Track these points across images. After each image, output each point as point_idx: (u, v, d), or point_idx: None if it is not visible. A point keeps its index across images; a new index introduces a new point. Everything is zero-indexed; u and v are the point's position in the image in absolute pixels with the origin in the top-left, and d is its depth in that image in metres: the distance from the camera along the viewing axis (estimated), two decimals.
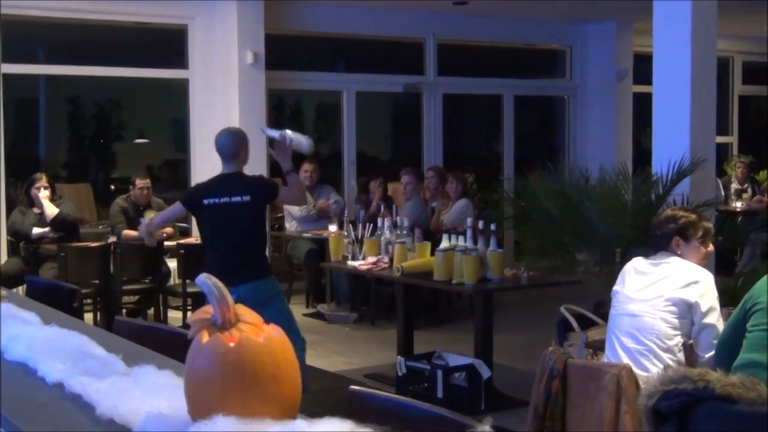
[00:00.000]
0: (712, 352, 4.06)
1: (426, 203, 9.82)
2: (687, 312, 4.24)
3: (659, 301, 4.26)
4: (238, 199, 5.62)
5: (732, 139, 14.65)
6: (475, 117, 13.74)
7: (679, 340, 4.25)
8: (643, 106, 11.70)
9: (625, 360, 4.21)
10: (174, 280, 8.88)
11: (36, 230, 8.43)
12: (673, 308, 4.24)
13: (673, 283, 4.27)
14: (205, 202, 5.68)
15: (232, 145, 5.78)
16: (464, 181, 9.87)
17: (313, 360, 7.37)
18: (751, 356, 3.63)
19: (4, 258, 8.93)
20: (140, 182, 8.91)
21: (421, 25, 11.72)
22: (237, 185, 5.69)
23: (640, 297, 4.33)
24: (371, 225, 7.27)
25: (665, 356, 4.20)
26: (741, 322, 3.79)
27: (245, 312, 1.78)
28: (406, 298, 6.96)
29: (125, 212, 8.82)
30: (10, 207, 8.98)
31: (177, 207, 6.02)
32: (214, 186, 5.81)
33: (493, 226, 6.20)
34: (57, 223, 8.43)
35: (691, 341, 4.28)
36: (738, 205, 11.68)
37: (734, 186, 12.27)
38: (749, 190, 12.26)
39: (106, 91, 11.19)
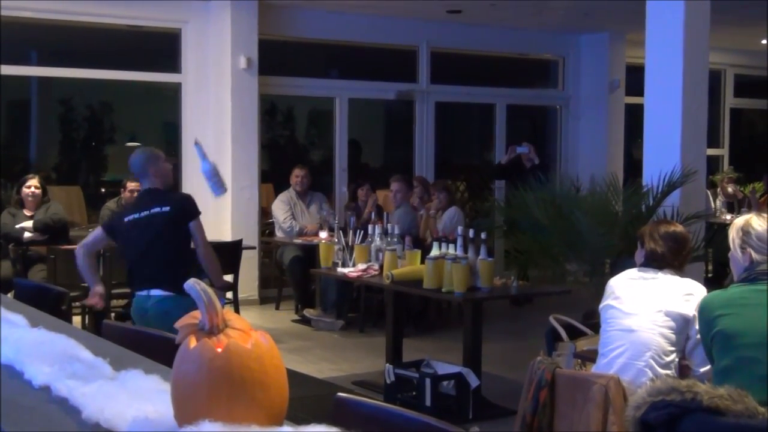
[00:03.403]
0: (708, 367, 3.94)
1: (416, 211, 9.83)
2: (684, 327, 4.20)
3: (659, 316, 4.21)
4: (157, 209, 5.50)
5: (723, 151, 14.70)
6: (468, 125, 13.76)
7: (675, 357, 4.23)
8: (634, 117, 11.73)
9: (623, 377, 4.14)
10: None
11: (27, 234, 8.41)
12: (672, 323, 4.20)
13: (670, 297, 4.24)
14: (126, 219, 5.59)
15: (140, 163, 5.60)
16: (449, 190, 9.87)
17: (300, 366, 7.37)
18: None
19: None
20: (131, 185, 8.88)
21: (414, 33, 11.74)
22: (156, 198, 5.57)
23: (637, 311, 4.27)
24: (362, 232, 7.27)
25: (663, 373, 4.15)
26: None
27: (233, 318, 1.78)
28: (396, 306, 6.95)
29: None
30: (0, 209, 8.95)
31: (98, 231, 5.79)
32: (134, 203, 5.81)
33: (483, 235, 6.20)
34: (41, 227, 8.41)
35: (685, 362, 4.26)
36: (728, 217, 11.72)
37: (720, 199, 12.33)
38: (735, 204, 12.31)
39: (99, 93, 11.19)
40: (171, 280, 5.30)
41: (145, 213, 5.51)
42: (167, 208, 5.52)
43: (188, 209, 5.63)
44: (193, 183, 10.29)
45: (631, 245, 5.16)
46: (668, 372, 4.18)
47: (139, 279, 5.53)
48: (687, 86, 6.95)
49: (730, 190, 12.30)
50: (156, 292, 5.41)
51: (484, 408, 6.20)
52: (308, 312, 9.31)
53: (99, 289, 5.69)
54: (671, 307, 4.22)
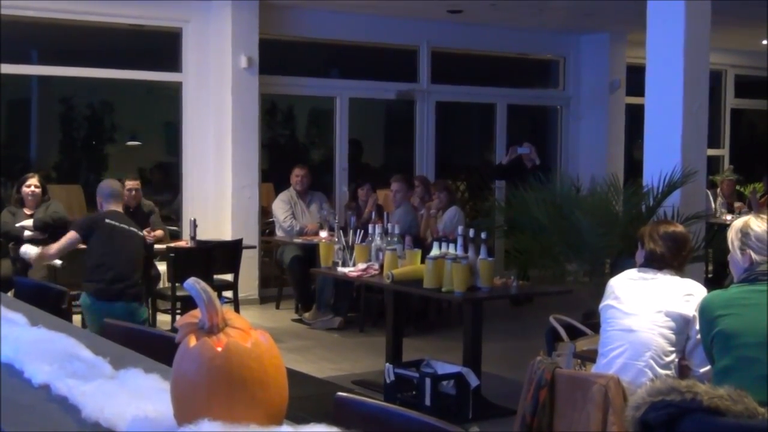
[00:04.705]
0: (707, 367, 3.94)
1: (416, 210, 9.84)
2: (684, 327, 4.20)
3: (659, 316, 4.21)
4: (135, 230, 6.44)
5: (723, 152, 14.70)
6: (468, 125, 13.75)
7: (674, 357, 4.23)
8: (635, 118, 11.73)
9: (623, 377, 4.15)
10: (163, 283, 8.86)
11: (27, 233, 8.40)
12: (671, 323, 4.20)
13: (670, 297, 4.24)
14: (107, 221, 6.30)
15: (115, 191, 6.50)
16: (449, 190, 9.88)
17: (300, 365, 7.37)
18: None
19: None
20: (129, 183, 8.86)
21: (415, 33, 11.74)
22: (131, 221, 6.59)
23: (637, 311, 4.27)
24: (362, 231, 7.27)
25: (663, 373, 4.15)
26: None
27: (233, 317, 1.78)
28: (396, 306, 6.95)
29: None
30: (0, 208, 8.95)
31: (73, 236, 6.42)
32: (115, 215, 6.43)
33: (483, 235, 6.20)
34: (41, 226, 8.40)
35: (685, 362, 4.26)
36: (728, 217, 11.72)
37: (720, 199, 12.33)
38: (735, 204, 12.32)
39: (99, 92, 11.18)
40: (137, 286, 6.37)
41: (126, 227, 6.33)
42: (142, 233, 6.59)
43: None
44: (194, 182, 10.32)
45: (631, 245, 5.16)
46: (668, 372, 4.18)
47: (110, 282, 6.22)
48: (687, 86, 6.95)
49: (736, 205, 12.26)
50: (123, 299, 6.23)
51: (484, 408, 6.20)
52: (304, 317, 9.31)
53: None
54: (671, 308, 4.22)
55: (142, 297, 6.48)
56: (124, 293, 6.10)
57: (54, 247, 6.36)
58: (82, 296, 6.22)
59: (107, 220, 6.18)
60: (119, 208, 6.39)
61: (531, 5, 10.78)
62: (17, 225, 8.44)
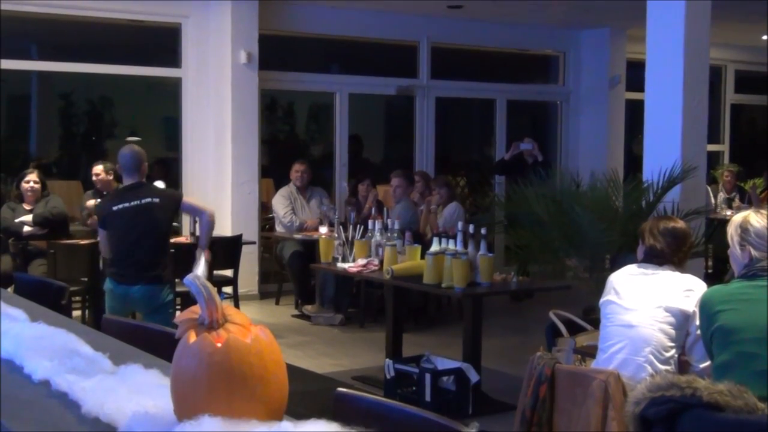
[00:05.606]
0: (707, 363, 3.93)
1: (416, 206, 9.84)
2: (684, 322, 4.20)
3: (659, 311, 4.21)
4: (148, 200, 6.02)
5: (723, 147, 14.70)
6: (468, 121, 13.75)
7: (674, 353, 4.23)
8: (635, 113, 11.73)
9: (623, 373, 4.14)
10: None
11: (27, 228, 8.40)
12: (671, 319, 4.21)
13: (670, 293, 4.24)
14: (114, 208, 6.03)
15: (132, 160, 6.11)
16: (449, 185, 9.88)
17: (300, 361, 7.37)
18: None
19: None
20: (95, 169, 8.88)
21: (415, 28, 11.74)
22: (145, 190, 6.11)
23: (636, 307, 4.28)
24: (362, 227, 7.28)
25: (663, 368, 4.16)
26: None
27: (233, 312, 1.78)
28: (396, 301, 6.95)
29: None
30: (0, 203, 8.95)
31: (100, 233, 6.24)
32: (122, 194, 6.18)
33: (483, 230, 6.20)
34: (40, 221, 8.40)
35: (684, 357, 4.26)
36: (728, 213, 11.71)
37: (721, 195, 12.32)
38: (737, 199, 12.29)
39: (99, 88, 11.18)
40: (156, 267, 6.04)
41: (137, 203, 5.98)
42: (157, 199, 6.04)
43: (175, 196, 6.32)
44: (194, 178, 10.32)
45: (631, 241, 5.17)
46: (668, 368, 4.18)
47: (125, 266, 6.01)
48: (687, 82, 6.95)
49: (734, 205, 12.24)
50: (141, 282, 6.00)
51: (484, 403, 6.20)
52: (306, 309, 9.31)
53: None
54: (671, 303, 4.22)
55: (163, 278, 6.13)
56: (141, 277, 6.00)
57: (102, 249, 6.36)
58: (105, 281, 6.21)
59: (114, 208, 6.08)
60: (136, 178, 6.09)
61: (531, 1, 10.78)
62: (17, 220, 8.45)
